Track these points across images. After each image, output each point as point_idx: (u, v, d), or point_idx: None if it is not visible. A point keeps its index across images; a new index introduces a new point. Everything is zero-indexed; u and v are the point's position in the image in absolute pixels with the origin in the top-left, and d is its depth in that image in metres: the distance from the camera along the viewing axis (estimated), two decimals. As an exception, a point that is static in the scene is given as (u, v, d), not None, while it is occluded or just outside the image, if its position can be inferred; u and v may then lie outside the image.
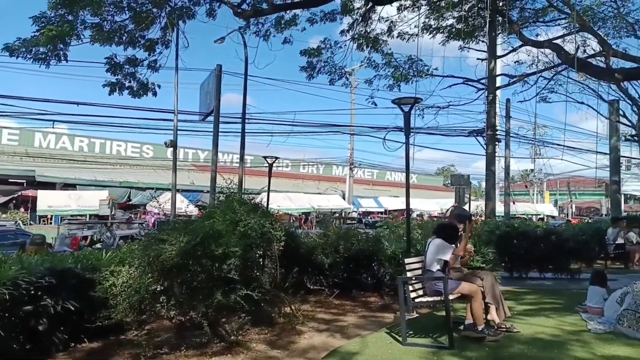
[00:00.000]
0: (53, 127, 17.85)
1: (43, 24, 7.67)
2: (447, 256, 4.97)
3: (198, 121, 15.69)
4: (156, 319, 4.93)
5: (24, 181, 27.74)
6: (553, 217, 35.36)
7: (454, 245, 5.12)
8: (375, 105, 13.28)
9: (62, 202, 24.04)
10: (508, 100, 17.20)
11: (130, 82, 9.26)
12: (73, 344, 4.59)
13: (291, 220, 25.57)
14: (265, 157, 13.38)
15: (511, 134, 17.13)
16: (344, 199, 35.67)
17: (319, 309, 6.60)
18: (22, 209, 27.03)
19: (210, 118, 13.25)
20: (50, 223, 25.00)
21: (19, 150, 29.74)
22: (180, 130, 13.36)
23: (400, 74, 12.93)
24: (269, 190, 12.49)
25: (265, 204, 8.68)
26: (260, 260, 5.93)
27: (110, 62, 8.98)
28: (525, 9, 13.76)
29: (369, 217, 33.96)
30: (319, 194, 35.14)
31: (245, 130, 12.81)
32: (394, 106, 6.41)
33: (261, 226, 5.46)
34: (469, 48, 15.63)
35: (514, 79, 15.12)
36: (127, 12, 8.82)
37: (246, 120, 13.26)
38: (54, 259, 4.67)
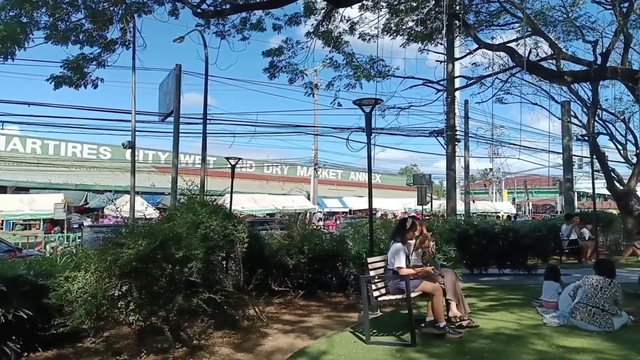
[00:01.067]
0: (2, 129, 16.93)
1: None
2: (395, 266, 5.10)
3: (158, 122, 15.30)
4: (115, 325, 4.79)
5: (-28, 185, 26.15)
6: (516, 215, 36.62)
7: (404, 258, 5.22)
8: (340, 105, 13.38)
9: (14, 206, 22.82)
10: (466, 102, 17.77)
11: (72, 74, 8.89)
12: (26, 354, 4.40)
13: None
14: (227, 158, 13.20)
15: (470, 134, 17.71)
16: (309, 199, 35.72)
17: (284, 311, 6.60)
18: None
19: (171, 119, 12.97)
20: (1, 228, 23.70)
21: (-35, 153, 28.02)
22: (139, 131, 13.02)
23: (361, 73, 13.09)
24: (232, 192, 12.34)
25: (228, 206, 8.59)
26: (224, 262, 5.87)
27: (68, 64, 8.63)
28: (480, 13, 14.24)
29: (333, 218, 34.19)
30: (284, 194, 35.03)
31: (207, 131, 12.62)
32: (356, 107, 6.51)
33: (224, 228, 5.41)
34: (428, 50, 16.02)
35: (472, 81, 15.60)
36: (83, 10, 8.51)
37: (208, 121, 13.07)
38: (3, 265, 4.45)
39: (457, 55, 16.00)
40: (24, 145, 31.23)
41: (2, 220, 23.38)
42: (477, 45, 13.69)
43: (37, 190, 25.44)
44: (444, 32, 13.58)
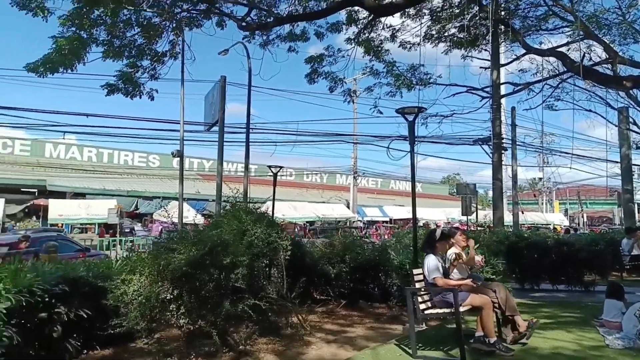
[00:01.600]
0: (64, 138, 18.13)
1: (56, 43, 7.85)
2: (430, 278, 4.99)
3: (203, 131, 15.85)
4: (166, 327, 4.98)
5: (36, 190, 28.03)
6: (575, 228, 34.47)
7: (439, 269, 5.11)
8: (381, 113, 13.34)
9: (72, 211, 24.34)
10: (513, 109, 17.21)
11: (126, 85, 9.37)
12: (85, 351, 4.65)
13: (296, 230, 25.56)
14: (269, 167, 13.47)
15: (517, 142, 17.11)
16: (348, 207, 35.63)
17: (326, 320, 6.60)
18: (34, 218, 27.31)
19: (215, 128, 13.38)
20: (62, 231, 25.20)
21: (30, 161, 30.08)
22: (186, 140, 13.49)
23: (402, 82, 13.01)
24: (274, 199, 12.55)
25: (270, 213, 8.74)
26: (267, 269, 5.97)
27: (123, 75, 9.14)
28: (527, 17, 13.81)
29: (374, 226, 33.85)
30: (323, 202, 35.14)
31: (250, 140, 12.92)
32: (398, 115, 6.48)
33: (267, 235, 5.51)
34: (472, 57, 15.70)
35: (519, 87, 15.13)
36: (135, 27, 9.00)
37: (250, 130, 13.37)
38: (66, 267, 4.74)
39: (502, 61, 15.57)
40: (81, 153, 33.19)
41: (62, 224, 24.89)
42: (524, 51, 13.29)
43: (93, 196, 26.92)
44: (488, 38, 13.26)
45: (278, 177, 13.28)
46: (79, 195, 27.00)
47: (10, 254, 7.62)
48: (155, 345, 4.65)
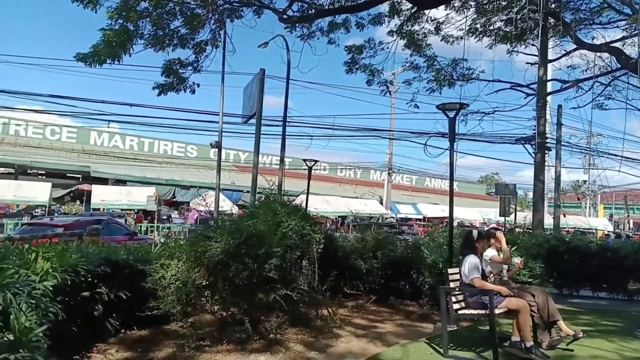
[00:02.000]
0: (108, 126, 18.93)
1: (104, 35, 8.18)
2: (470, 278, 4.86)
3: (240, 123, 16.09)
4: (200, 312, 5.11)
5: (80, 176, 29.41)
6: (619, 234, 32.76)
7: (478, 269, 4.98)
8: (417, 107, 13.12)
9: (114, 196, 25.34)
10: (560, 107, 16.48)
11: (171, 78, 9.65)
12: (123, 331, 4.85)
13: (328, 224, 25.61)
14: (305, 160, 13.52)
15: (562, 143, 16.40)
16: (381, 204, 35.34)
17: (356, 314, 6.59)
18: (77, 202, 28.67)
19: (252, 120, 13.54)
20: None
21: (76, 147, 31.55)
22: (223, 131, 13.74)
23: (443, 78, 12.72)
24: (307, 193, 12.60)
25: (304, 206, 8.79)
26: (299, 261, 6.02)
27: (167, 68, 9.41)
28: (579, 10, 13.15)
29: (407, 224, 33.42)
30: (356, 198, 35.00)
31: (286, 133, 12.99)
32: (436, 111, 6.34)
33: (301, 228, 5.55)
34: (518, 52, 15.15)
35: (567, 85, 14.51)
36: (179, 18, 9.23)
37: (287, 123, 13.44)
38: (109, 249, 4.94)
39: (550, 56, 14.94)
40: (123, 141, 34.48)
41: (104, 209, 25.99)
42: (575, 46, 12.72)
43: (133, 183, 27.94)
44: (536, 32, 12.74)
45: (312, 171, 13.33)
46: (120, 181, 28.09)
47: (61, 235, 8.13)
48: (189, 328, 4.79)
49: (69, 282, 3.65)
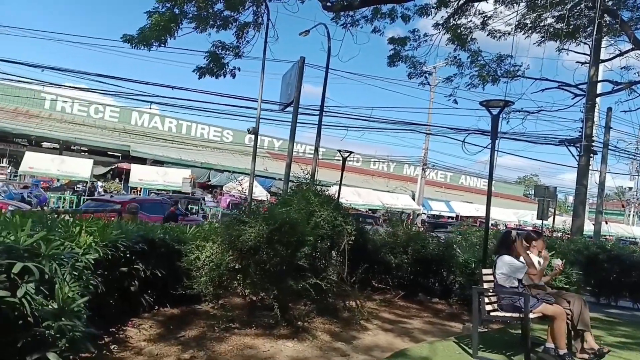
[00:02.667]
0: (150, 108, 19.43)
1: (154, 17, 8.37)
2: (521, 275, 4.71)
3: (277, 111, 16.15)
4: (230, 295, 5.21)
5: (120, 155, 30.46)
6: None
7: (523, 263, 4.82)
8: (456, 102, 12.79)
9: (151, 176, 26.14)
10: (609, 109, 15.68)
11: (212, 65, 9.77)
12: (157, 307, 5.00)
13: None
14: (339, 151, 13.46)
15: (610, 147, 15.63)
16: (413, 199, 34.87)
17: (384, 308, 6.56)
18: (117, 180, 29.78)
19: (289, 108, 13.55)
20: (140, 195, 27.24)
21: (118, 127, 32.68)
22: (260, 118, 13.83)
23: (487, 73, 12.33)
24: (340, 184, 12.57)
25: (336, 197, 8.76)
26: (329, 251, 6.02)
27: (212, 54, 9.54)
28: (638, 8, 12.39)
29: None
30: (388, 192, 34.67)
31: (322, 123, 12.94)
32: (475, 107, 6.25)
33: (334, 218, 5.54)
34: (568, 50, 14.47)
35: (620, 86, 13.73)
36: (222, 1, 9.32)
37: (324, 113, 13.38)
38: (147, 227, 5.09)
39: (603, 56, 14.18)
40: (162, 123, 35.41)
41: (141, 188, 26.85)
42: (631, 46, 12.01)
43: (170, 165, 28.70)
44: (590, 29, 12.12)
45: (345, 162, 13.27)
46: (157, 162, 28.91)
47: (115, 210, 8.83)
48: (220, 310, 4.89)
49: (109, 257, 3.78)
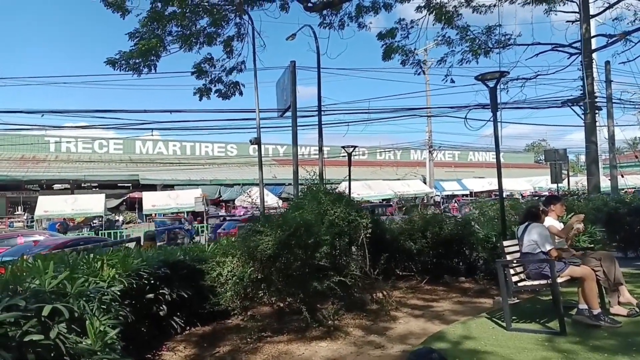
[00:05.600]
0: (152, 134, 19.66)
1: (138, 39, 8.48)
2: (547, 249, 4.66)
3: (276, 118, 16.21)
4: (258, 305, 5.24)
5: (130, 184, 30.86)
6: None
7: (551, 242, 4.78)
8: (453, 82, 12.70)
9: (163, 201, 26.40)
10: (607, 63, 15.42)
11: (216, 85, 9.86)
12: (189, 328, 5.06)
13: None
14: (343, 147, 13.46)
15: (613, 100, 15.39)
16: (425, 183, 34.72)
17: (411, 295, 6.55)
18: (126, 210, 30.14)
19: (288, 113, 13.59)
20: (155, 221, 27.53)
21: (123, 158, 33.07)
22: (261, 127, 13.89)
23: (478, 47, 12.23)
24: (349, 179, 12.56)
25: (347, 193, 8.77)
26: (349, 247, 6.02)
27: (198, 69, 9.64)
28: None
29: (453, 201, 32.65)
30: (399, 179, 34.59)
31: (322, 122, 12.96)
32: (473, 82, 6.15)
33: (347, 214, 5.55)
34: (557, 11, 14.29)
35: (614, 39, 13.53)
36: (204, 15, 9.40)
37: (322, 112, 13.39)
38: (166, 251, 5.15)
39: (592, 11, 13.98)
40: (167, 148, 35.78)
41: (155, 214, 27.11)
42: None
43: (180, 187, 28.96)
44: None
45: (351, 157, 13.26)
46: (167, 186, 29.19)
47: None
48: (250, 321, 4.92)
49: (134, 286, 3.84)
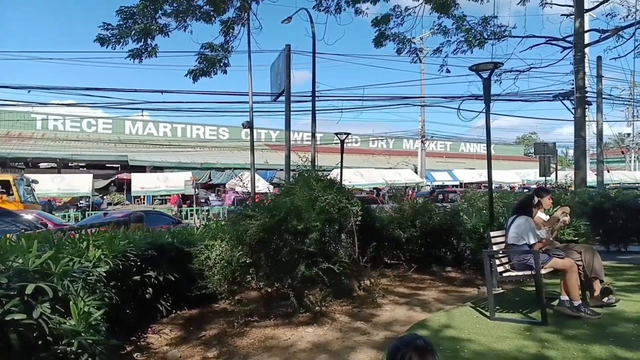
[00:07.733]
0: (142, 115, 19.39)
1: (126, 16, 8.25)
2: (531, 242, 4.71)
3: (269, 102, 16.07)
4: (246, 290, 5.25)
5: (119, 165, 30.52)
6: None
7: (536, 235, 4.83)
8: (449, 72, 12.67)
9: (152, 183, 26.18)
10: (599, 58, 15.52)
11: (204, 65, 9.69)
12: (175, 311, 5.06)
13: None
14: (336, 134, 13.43)
15: (603, 95, 15.51)
16: (416, 172, 34.88)
17: (398, 283, 6.61)
18: (115, 191, 29.83)
19: (282, 98, 13.47)
20: (144, 203, 27.34)
21: (112, 138, 32.61)
22: (254, 111, 13.77)
23: (473, 37, 12.19)
24: (342, 167, 12.57)
25: (338, 180, 8.76)
26: (338, 234, 6.03)
27: (201, 55, 9.48)
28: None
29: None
30: (390, 168, 34.69)
31: (316, 108, 12.88)
32: (467, 73, 6.16)
33: (338, 201, 5.54)
34: (552, 4, 14.27)
35: (607, 34, 13.56)
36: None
37: (316, 98, 13.30)
38: (154, 234, 5.11)
39: (587, 6, 13.97)
40: (157, 129, 35.35)
41: (144, 196, 26.91)
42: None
43: (170, 169, 28.72)
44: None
45: (344, 144, 13.25)
46: (157, 168, 28.92)
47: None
48: (237, 305, 4.93)
49: (120, 267, 3.81)
